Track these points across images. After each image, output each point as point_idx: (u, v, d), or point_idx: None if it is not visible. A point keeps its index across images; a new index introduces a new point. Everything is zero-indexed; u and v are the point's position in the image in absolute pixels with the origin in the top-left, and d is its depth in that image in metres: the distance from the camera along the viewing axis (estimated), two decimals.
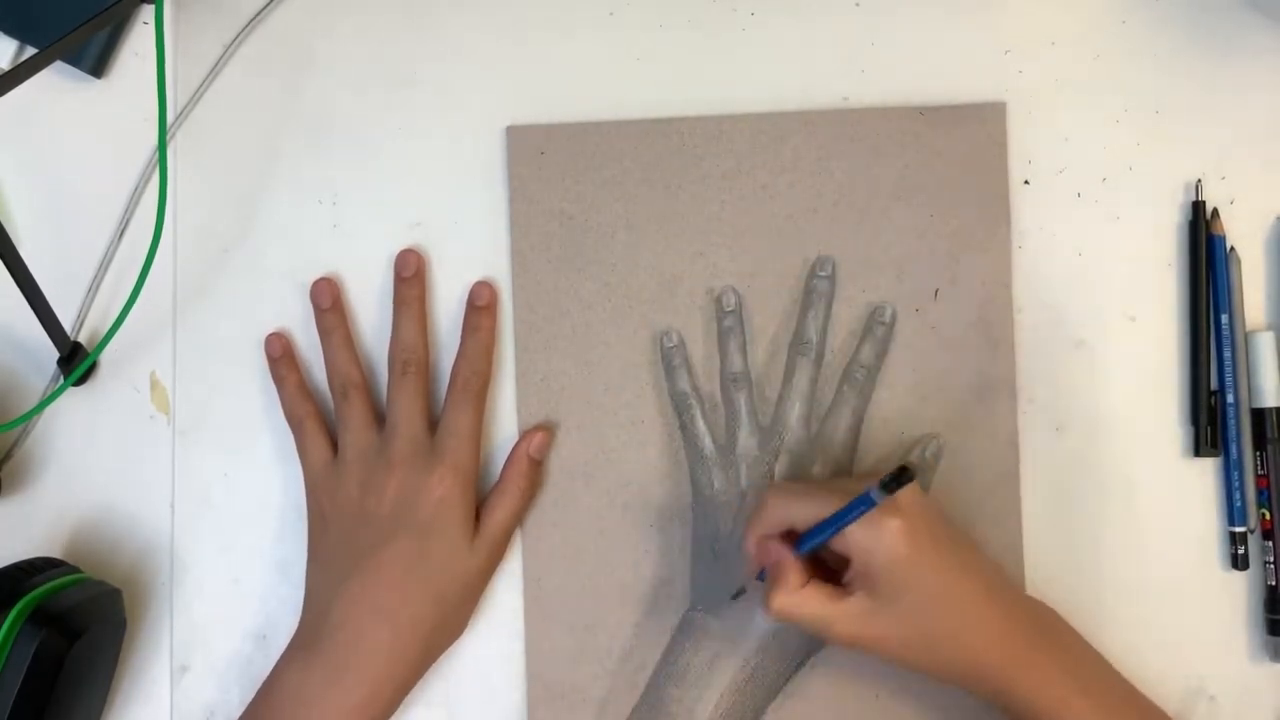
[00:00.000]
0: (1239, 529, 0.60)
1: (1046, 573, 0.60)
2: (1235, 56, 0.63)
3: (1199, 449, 0.60)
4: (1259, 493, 0.60)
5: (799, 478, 0.61)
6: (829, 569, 0.56)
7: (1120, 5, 0.63)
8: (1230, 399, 0.61)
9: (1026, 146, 0.62)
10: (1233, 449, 0.61)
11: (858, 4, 0.63)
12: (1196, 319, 0.61)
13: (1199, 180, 0.61)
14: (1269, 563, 0.60)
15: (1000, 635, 0.54)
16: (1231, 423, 0.61)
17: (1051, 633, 0.56)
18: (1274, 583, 0.60)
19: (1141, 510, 0.61)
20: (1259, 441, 0.60)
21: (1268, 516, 0.60)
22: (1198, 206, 0.61)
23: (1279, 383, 0.60)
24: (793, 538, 0.55)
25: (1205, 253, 0.61)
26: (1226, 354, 0.61)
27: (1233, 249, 0.61)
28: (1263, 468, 0.60)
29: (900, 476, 0.49)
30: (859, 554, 0.53)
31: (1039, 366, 0.61)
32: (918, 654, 0.54)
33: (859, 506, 0.52)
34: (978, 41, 0.63)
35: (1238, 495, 0.60)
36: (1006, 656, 0.54)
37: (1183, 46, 0.63)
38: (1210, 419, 0.60)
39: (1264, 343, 0.61)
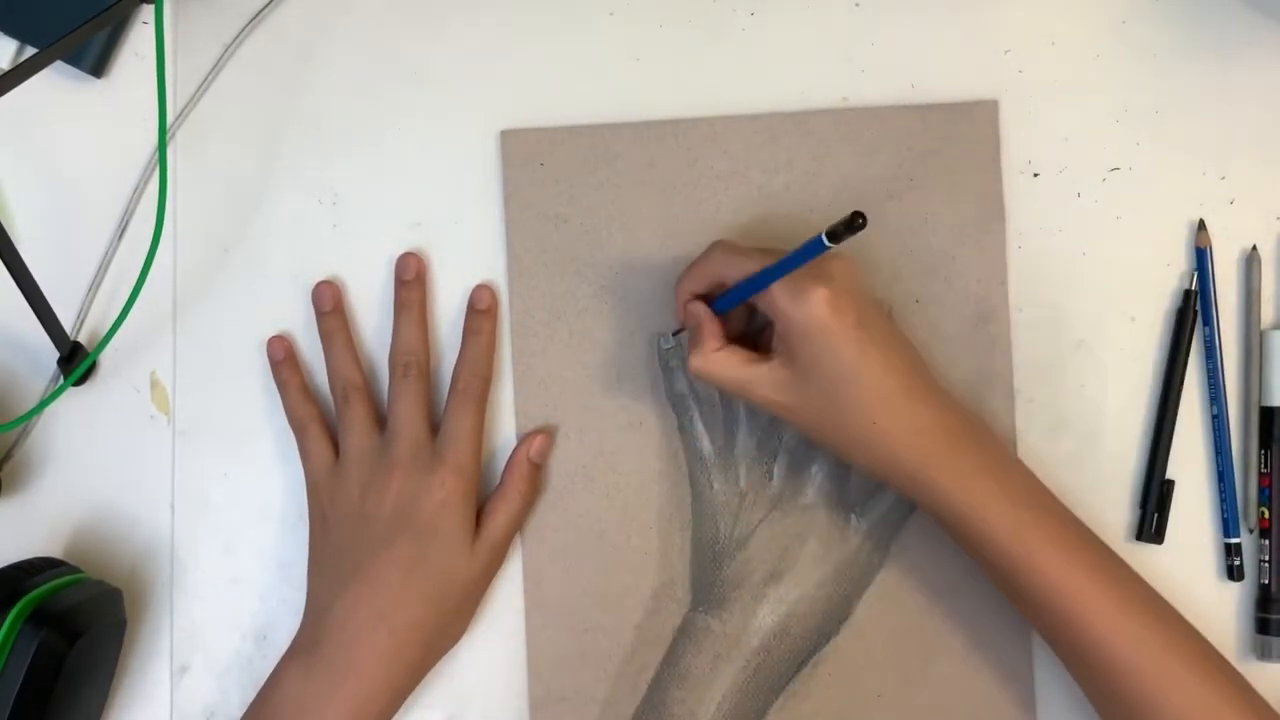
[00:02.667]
0: (1234, 540, 0.60)
1: None
2: (1235, 56, 0.63)
3: (1141, 533, 0.60)
4: (1260, 491, 0.60)
5: (800, 480, 0.61)
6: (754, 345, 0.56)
7: (1120, 5, 0.63)
8: (1215, 410, 0.61)
9: (1026, 146, 0.62)
10: (1228, 461, 0.60)
11: (857, 4, 0.63)
12: (1165, 405, 0.61)
13: (1194, 273, 0.61)
14: (1264, 562, 0.60)
15: (918, 429, 0.54)
16: (1222, 437, 0.60)
17: (974, 435, 0.56)
18: (1267, 582, 0.60)
19: (1141, 511, 0.61)
20: (1265, 440, 0.60)
21: (1266, 515, 0.60)
22: (1188, 295, 0.61)
23: None
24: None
25: (1189, 341, 0.61)
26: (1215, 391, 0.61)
27: (1255, 248, 0.61)
28: (1267, 466, 0.60)
29: (853, 222, 0.48)
30: (780, 317, 0.54)
31: (1038, 366, 0.61)
32: (833, 432, 0.55)
33: (801, 255, 0.52)
34: (977, 41, 0.63)
35: (1231, 508, 0.60)
36: (924, 452, 0.54)
37: (1183, 46, 0.63)
38: (1159, 506, 0.60)
39: (1276, 341, 0.61)
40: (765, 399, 0.55)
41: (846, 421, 0.54)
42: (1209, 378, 0.61)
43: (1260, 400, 0.61)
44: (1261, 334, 0.61)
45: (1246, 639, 0.60)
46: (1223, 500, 0.60)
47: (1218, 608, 0.61)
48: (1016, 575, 0.53)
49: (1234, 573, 0.60)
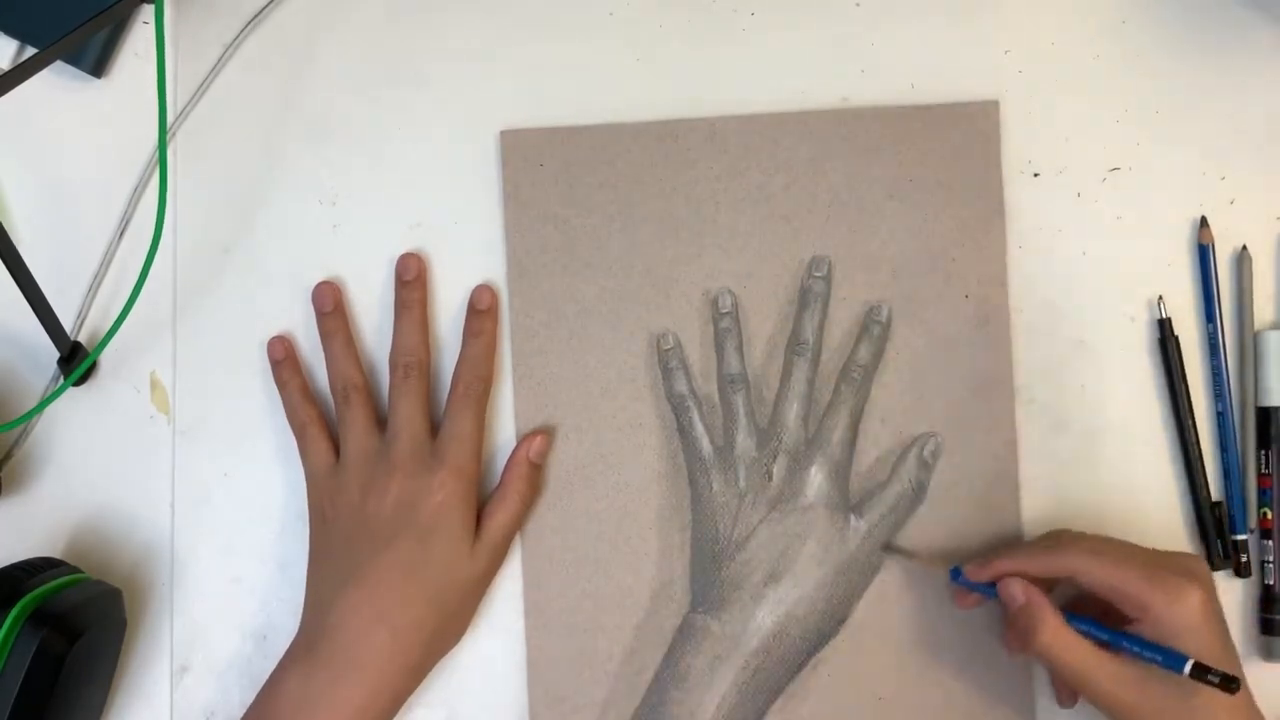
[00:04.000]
0: (1240, 537, 0.60)
1: None
2: (1235, 56, 0.63)
3: (1212, 563, 0.60)
4: (1261, 492, 0.60)
5: (799, 482, 0.61)
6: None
7: (1120, 5, 0.63)
8: (1220, 408, 0.61)
9: (1026, 146, 0.62)
10: (1233, 459, 0.60)
11: (858, 4, 0.63)
12: (1184, 433, 0.61)
13: (1160, 296, 0.61)
14: (1267, 562, 0.60)
15: None
16: (1227, 434, 0.61)
17: None
18: (1271, 582, 0.60)
19: (1140, 510, 0.61)
20: (1263, 440, 0.60)
21: (1268, 515, 0.60)
22: (1164, 324, 0.61)
23: None
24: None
25: (1180, 365, 0.61)
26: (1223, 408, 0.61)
27: (1245, 248, 0.61)
28: (1267, 466, 0.60)
29: (1226, 682, 0.48)
30: (1148, 612, 0.52)
31: (1039, 366, 0.61)
32: None
33: (1166, 658, 0.51)
34: (978, 42, 0.63)
35: (1237, 505, 0.60)
36: None
37: (1183, 46, 0.63)
38: (1219, 531, 0.60)
39: (1273, 341, 0.61)
40: (1105, 692, 0.53)
41: None
42: (1213, 375, 0.61)
43: (1257, 401, 0.61)
44: (1256, 334, 0.61)
45: (1251, 640, 0.60)
46: (1229, 497, 0.60)
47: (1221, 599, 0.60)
48: None
49: (1241, 569, 0.60)
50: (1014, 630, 0.55)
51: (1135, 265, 0.62)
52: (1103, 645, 0.53)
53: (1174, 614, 0.52)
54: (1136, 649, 0.52)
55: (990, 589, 0.57)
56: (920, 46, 0.63)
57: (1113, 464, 0.61)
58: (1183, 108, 0.62)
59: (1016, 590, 0.55)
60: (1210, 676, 0.49)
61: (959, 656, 0.60)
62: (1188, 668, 0.50)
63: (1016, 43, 0.63)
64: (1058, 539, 0.56)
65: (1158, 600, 0.52)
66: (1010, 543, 0.60)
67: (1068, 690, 0.58)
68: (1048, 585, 0.55)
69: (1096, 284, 0.62)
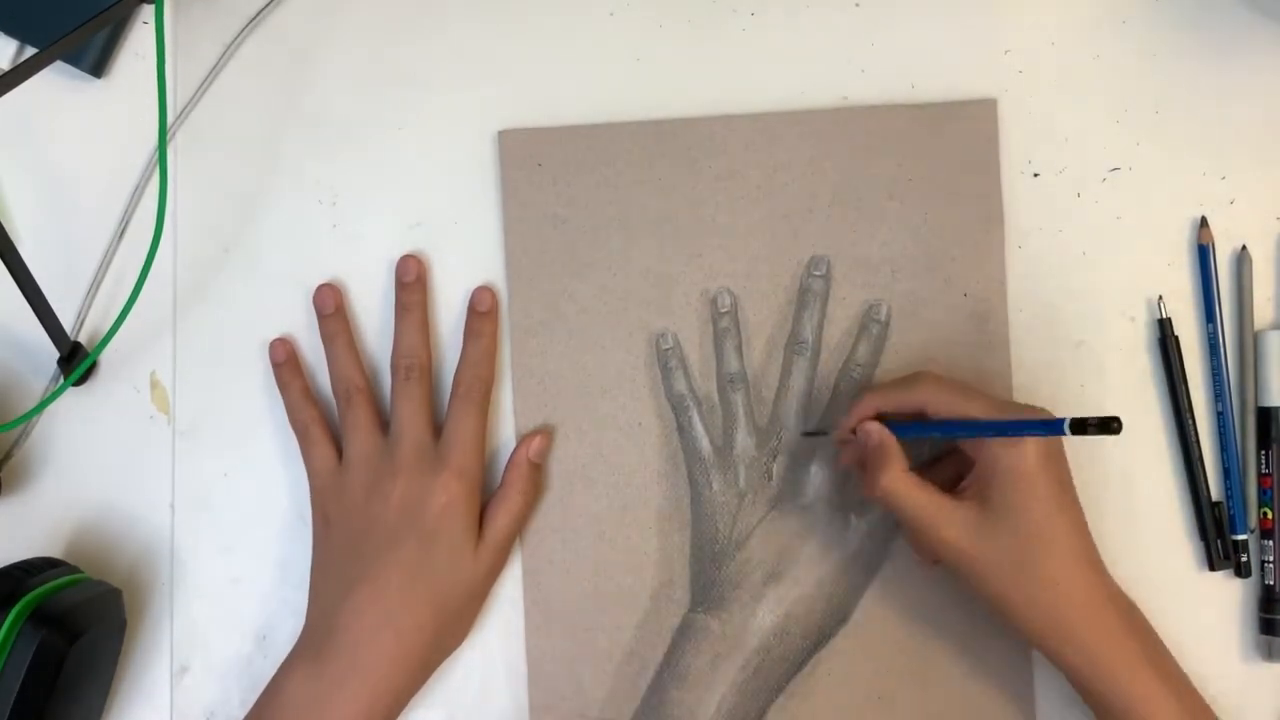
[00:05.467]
0: (1240, 536, 0.60)
1: None
2: (1235, 56, 0.63)
3: (1212, 564, 0.60)
4: (1262, 492, 0.60)
5: (799, 480, 0.61)
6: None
7: (1120, 5, 0.63)
8: (1220, 408, 0.61)
9: (1026, 146, 0.62)
10: (1234, 458, 0.60)
11: (858, 4, 0.63)
12: (1184, 433, 0.61)
13: (1160, 296, 0.61)
14: (1267, 562, 0.60)
15: (1095, 601, 0.53)
16: (1228, 434, 0.60)
17: (1139, 619, 0.55)
18: (1272, 582, 0.60)
19: (1140, 510, 0.61)
20: (1263, 440, 0.60)
21: (1269, 515, 0.60)
22: (1164, 324, 0.61)
23: None
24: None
25: (1180, 365, 0.61)
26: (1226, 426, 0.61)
27: (1244, 248, 0.61)
28: (1267, 466, 0.60)
29: (1107, 426, 0.48)
30: (985, 458, 0.53)
31: (1039, 366, 0.61)
32: (1009, 587, 0.53)
33: (1032, 427, 0.51)
34: (978, 41, 0.63)
35: (1237, 504, 0.60)
36: (1099, 627, 0.53)
37: (1183, 46, 0.63)
38: (1219, 532, 0.60)
39: (1273, 341, 0.61)
40: (947, 539, 0.53)
41: (1027, 578, 0.53)
42: (1213, 375, 0.61)
43: (1257, 401, 0.61)
44: (1256, 334, 0.61)
45: (1251, 640, 0.60)
46: (1228, 497, 0.60)
47: (1222, 609, 0.61)
48: None
49: (1241, 569, 0.60)
50: (866, 474, 0.56)
51: (1135, 265, 0.62)
52: (957, 439, 0.54)
53: (1009, 454, 0.52)
54: (996, 429, 0.52)
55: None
56: (920, 46, 0.63)
57: (1112, 464, 0.61)
58: (1183, 108, 0.62)
59: (870, 429, 0.55)
60: (1090, 425, 0.49)
61: (959, 656, 0.60)
62: (1066, 426, 0.49)
63: (1016, 42, 0.63)
64: (914, 376, 0.57)
65: (992, 441, 0.53)
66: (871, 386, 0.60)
67: (923, 547, 0.58)
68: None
69: (1096, 284, 0.62)
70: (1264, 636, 0.60)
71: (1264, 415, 0.61)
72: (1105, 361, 0.61)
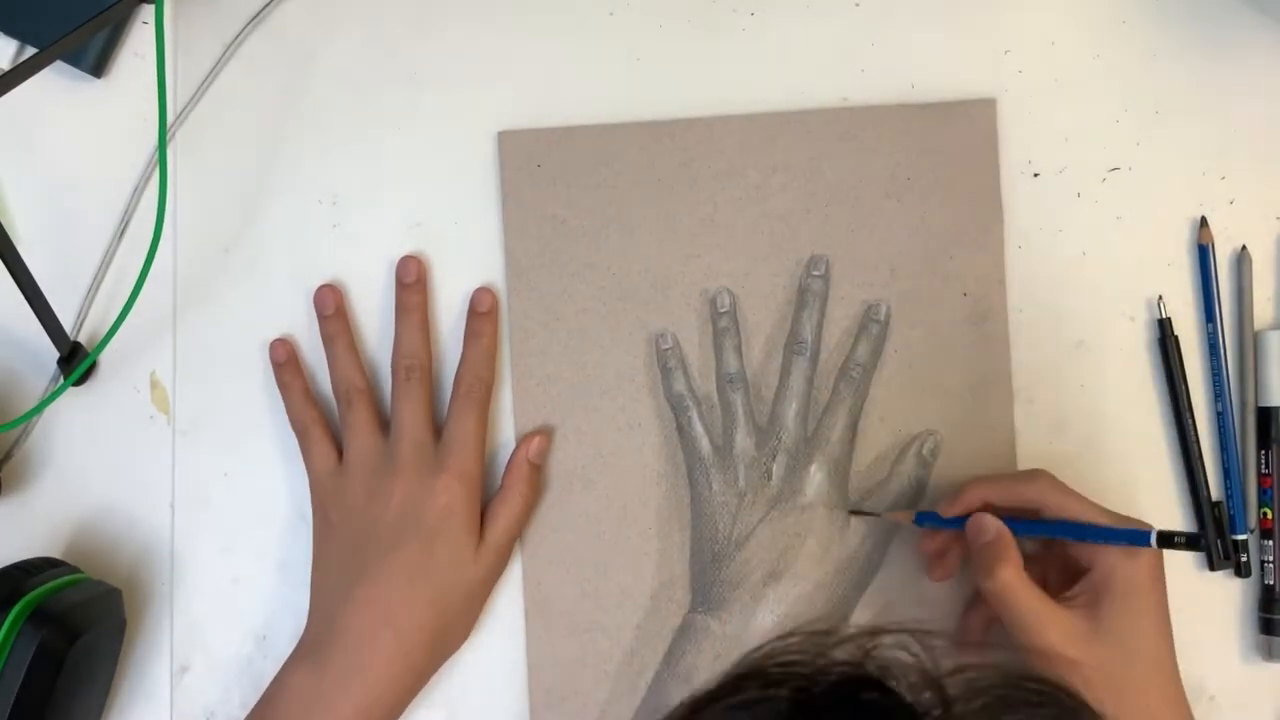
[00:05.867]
0: (1240, 536, 0.60)
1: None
2: (1235, 56, 0.63)
3: (1212, 563, 0.60)
4: (1262, 492, 0.60)
5: (798, 481, 0.61)
6: None
7: (1120, 5, 0.63)
8: (1220, 408, 0.61)
9: (1026, 146, 0.62)
10: (1234, 458, 0.60)
11: (858, 4, 0.63)
12: (1184, 433, 0.61)
13: (1160, 296, 0.61)
14: (1267, 562, 0.60)
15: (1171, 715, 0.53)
16: (1227, 434, 0.60)
17: None
18: (1272, 582, 0.60)
19: (1140, 510, 0.61)
20: (1263, 440, 0.60)
21: (1269, 515, 0.60)
22: (1164, 324, 0.61)
23: None
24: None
25: (1180, 365, 0.61)
26: (1227, 431, 0.60)
27: (1244, 248, 0.61)
28: (1267, 466, 0.60)
29: (1192, 540, 0.48)
30: (1103, 566, 0.53)
31: (1038, 367, 0.61)
32: (1102, 699, 0.52)
33: (1131, 537, 0.51)
34: (977, 41, 0.63)
35: (1237, 505, 0.60)
36: None
37: (1183, 46, 0.63)
38: (1219, 532, 0.60)
39: (1273, 341, 0.61)
40: (1049, 644, 0.52)
41: (1124, 699, 0.52)
42: (1213, 376, 0.61)
43: (1257, 401, 0.61)
44: (1256, 334, 0.61)
45: (1251, 640, 0.60)
46: (1228, 497, 0.60)
47: (1222, 609, 0.61)
48: None
49: (1241, 569, 0.60)
50: (977, 567, 0.55)
51: (1135, 265, 0.62)
52: (1053, 541, 0.54)
53: (1126, 565, 0.52)
54: (1100, 536, 0.52)
55: (959, 523, 0.56)
56: (920, 46, 0.63)
57: (1112, 464, 0.61)
58: (1183, 108, 0.62)
59: (987, 523, 0.55)
60: (1177, 539, 0.49)
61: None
62: (1153, 537, 0.50)
63: (1016, 43, 0.63)
64: (1031, 473, 0.57)
65: (1113, 549, 0.52)
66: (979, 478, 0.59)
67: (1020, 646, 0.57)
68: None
69: (1096, 284, 0.62)
70: (1264, 636, 0.60)
71: (1264, 415, 0.61)
72: (1105, 361, 0.61)
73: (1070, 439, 0.61)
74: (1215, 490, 0.61)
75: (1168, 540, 0.50)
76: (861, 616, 0.60)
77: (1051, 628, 0.52)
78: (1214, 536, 0.60)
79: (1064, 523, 0.54)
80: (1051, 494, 0.55)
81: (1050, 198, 0.62)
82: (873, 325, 0.61)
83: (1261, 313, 0.62)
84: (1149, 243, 0.62)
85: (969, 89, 0.63)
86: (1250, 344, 0.61)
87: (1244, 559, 0.60)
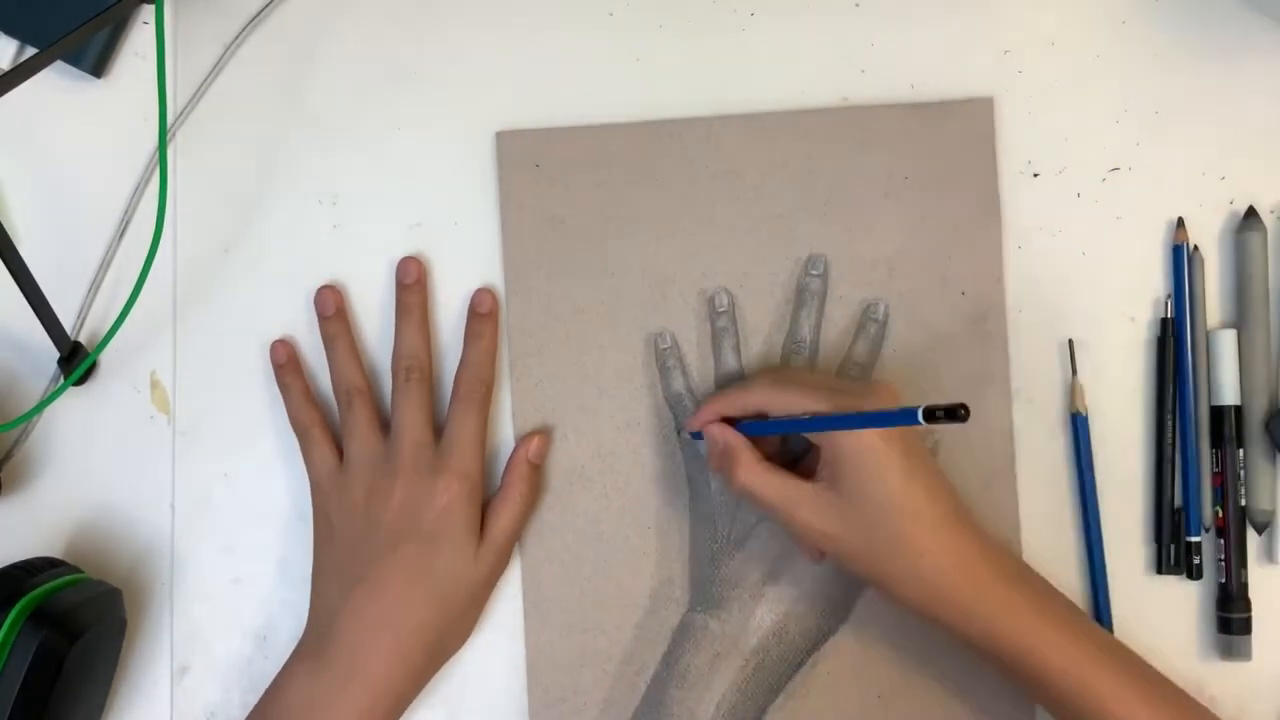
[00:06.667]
0: (1194, 539, 0.60)
1: (1045, 568, 0.60)
2: (1235, 56, 0.63)
3: (1160, 567, 0.60)
4: (1214, 490, 0.60)
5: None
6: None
7: (1120, 5, 0.63)
8: (1184, 408, 0.61)
9: (1026, 146, 0.62)
10: (1192, 460, 0.60)
11: (857, 4, 0.63)
12: (1161, 431, 0.61)
13: (1168, 296, 0.61)
14: (1220, 561, 0.60)
15: (965, 561, 0.53)
16: (1188, 435, 0.60)
17: (1018, 568, 0.55)
18: (1225, 580, 0.60)
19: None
20: (1216, 439, 0.60)
21: (1221, 514, 0.60)
22: (1165, 324, 0.61)
23: (1237, 381, 0.60)
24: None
25: (1175, 364, 0.61)
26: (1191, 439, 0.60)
27: (1196, 248, 0.61)
28: (1218, 465, 0.60)
29: (955, 413, 0.47)
30: (827, 441, 0.53)
31: (1038, 366, 0.61)
32: (879, 562, 0.54)
33: (882, 419, 0.51)
34: (977, 41, 0.63)
35: (1194, 506, 0.60)
36: (975, 585, 0.53)
37: (1183, 46, 0.63)
38: (1173, 537, 0.60)
39: (1223, 340, 0.61)
40: (806, 524, 0.54)
41: (893, 552, 0.53)
42: (1177, 375, 0.61)
43: (1210, 400, 0.61)
44: (1208, 334, 0.61)
45: (1209, 639, 0.60)
46: (1185, 498, 0.60)
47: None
48: (1080, 710, 0.52)
49: (1193, 571, 0.60)
50: (726, 476, 0.56)
51: (1135, 265, 0.62)
52: (803, 434, 0.55)
53: (849, 434, 0.53)
54: (834, 424, 0.52)
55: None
56: (920, 46, 0.63)
57: (1111, 464, 0.61)
58: (1183, 108, 0.62)
59: (714, 434, 0.57)
60: (938, 413, 0.47)
61: (959, 655, 0.60)
62: (920, 413, 0.48)
63: (1016, 43, 0.63)
64: (751, 377, 0.58)
65: (830, 408, 0.53)
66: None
67: (795, 537, 0.58)
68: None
69: (1096, 284, 0.62)
70: (1222, 635, 0.60)
71: (1216, 414, 0.61)
72: (1105, 361, 0.61)
73: (1070, 440, 0.61)
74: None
75: (934, 417, 0.47)
76: (860, 615, 0.60)
77: (801, 506, 0.54)
78: (1168, 540, 0.60)
79: (794, 420, 0.55)
80: (772, 394, 0.56)
81: (1050, 198, 0.62)
82: (871, 324, 0.61)
83: (1209, 312, 0.62)
84: (1149, 243, 0.62)
85: (969, 89, 0.63)
86: (1203, 344, 0.61)
87: (1196, 561, 0.60)
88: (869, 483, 0.53)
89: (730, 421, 0.57)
